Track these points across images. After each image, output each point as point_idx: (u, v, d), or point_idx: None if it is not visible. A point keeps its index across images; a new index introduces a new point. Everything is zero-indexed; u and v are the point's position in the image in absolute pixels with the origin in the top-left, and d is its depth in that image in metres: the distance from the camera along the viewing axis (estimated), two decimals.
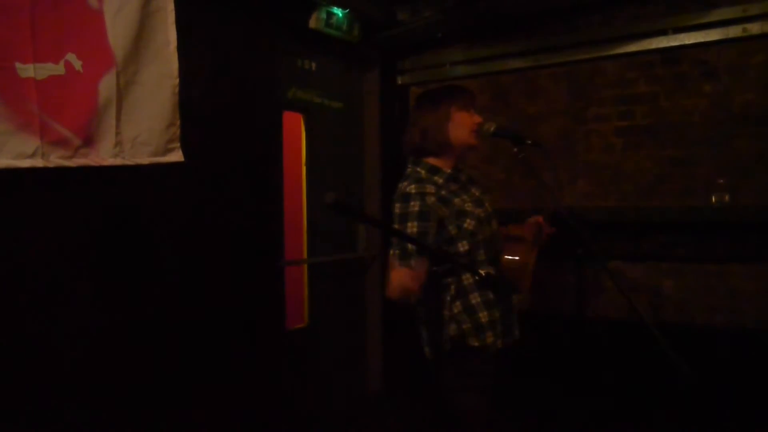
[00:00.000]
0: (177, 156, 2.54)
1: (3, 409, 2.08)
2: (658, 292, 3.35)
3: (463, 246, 1.96)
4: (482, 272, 1.84)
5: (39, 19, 2.09)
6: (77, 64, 2.21)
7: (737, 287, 3.15)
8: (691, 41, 3.19)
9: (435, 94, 2.14)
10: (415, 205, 1.92)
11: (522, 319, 2.13)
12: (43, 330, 2.20)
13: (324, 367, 3.68)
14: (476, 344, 1.95)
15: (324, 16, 3.42)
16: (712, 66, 3.20)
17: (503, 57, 3.76)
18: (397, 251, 1.88)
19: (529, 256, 2.05)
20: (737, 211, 3.10)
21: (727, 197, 3.13)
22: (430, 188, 1.97)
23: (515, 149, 2.03)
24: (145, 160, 2.43)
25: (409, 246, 1.85)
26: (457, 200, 1.99)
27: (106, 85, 2.29)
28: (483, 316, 1.95)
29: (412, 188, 1.96)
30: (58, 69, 2.16)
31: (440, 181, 2.02)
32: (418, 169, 2.06)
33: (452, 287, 1.96)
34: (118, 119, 2.33)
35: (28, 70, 2.07)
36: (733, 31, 3.09)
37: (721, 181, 3.15)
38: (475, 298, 1.96)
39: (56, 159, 2.14)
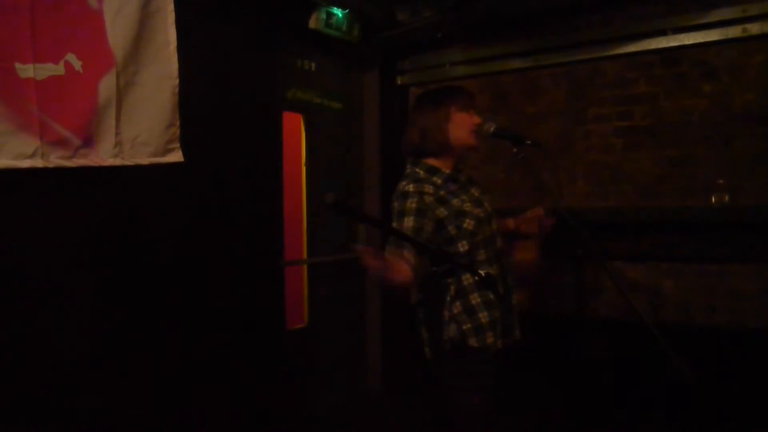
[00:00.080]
0: (177, 156, 2.54)
1: (3, 409, 2.08)
2: (658, 292, 3.35)
3: (462, 246, 1.96)
4: (482, 272, 1.84)
5: (39, 20, 2.09)
6: (77, 65, 2.21)
7: (737, 287, 3.15)
8: (691, 41, 3.19)
9: (435, 95, 2.15)
10: (412, 202, 1.93)
11: (522, 319, 2.13)
12: (43, 330, 2.20)
13: (324, 367, 3.68)
14: (476, 345, 1.95)
15: (324, 16, 3.42)
16: (711, 66, 3.19)
17: (503, 57, 3.76)
18: (392, 247, 1.90)
19: (538, 252, 2.08)
20: (737, 211, 3.10)
21: (726, 197, 3.13)
22: (429, 188, 1.97)
23: (515, 149, 2.04)
24: (145, 161, 2.43)
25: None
26: (455, 201, 1.99)
27: (106, 86, 2.29)
28: (483, 316, 1.95)
29: (410, 187, 1.97)
30: (58, 69, 2.16)
31: (439, 181, 2.02)
32: (417, 169, 2.06)
33: (452, 288, 1.96)
34: (117, 119, 2.33)
35: (27, 71, 2.07)
36: (733, 32, 3.08)
37: (721, 181, 3.15)
38: (475, 299, 1.96)
39: (56, 159, 2.14)
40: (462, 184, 2.09)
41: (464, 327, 1.94)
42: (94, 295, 2.36)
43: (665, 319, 3.29)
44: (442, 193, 1.99)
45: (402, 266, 1.83)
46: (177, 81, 2.53)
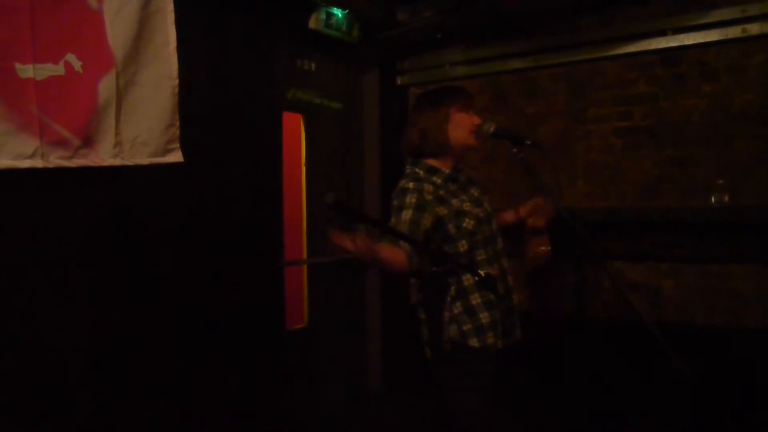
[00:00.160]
0: (176, 156, 2.54)
1: (3, 409, 2.07)
2: (658, 292, 3.34)
3: (462, 246, 1.96)
4: (482, 273, 1.84)
5: (39, 20, 2.09)
6: (77, 65, 2.21)
7: (737, 287, 3.15)
8: (691, 42, 3.19)
9: (434, 95, 2.15)
10: (412, 197, 1.95)
11: (522, 319, 2.13)
12: (42, 330, 2.20)
13: (324, 367, 3.67)
14: (477, 345, 1.95)
15: (324, 16, 3.42)
16: (711, 66, 3.19)
17: (503, 57, 3.76)
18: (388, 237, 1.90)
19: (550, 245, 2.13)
20: (737, 211, 3.10)
21: (726, 197, 3.13)
22: (428, 187, 1.98)
23: (515, 149, 2.04)
24: (145, 161, 2.43)
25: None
26: (455, 201, 1.99)
27: (106, 86, 2.29)
28: (484, 316, 1.95)
29: (410, 185, 1.98)
30: (58, 69, 2.16)
31: (438, 181, 2.02)
32: (417, 169, 2.06)
33: (452, 288, 1.96)
34: (117, 120, 2.33)
35: (27, 71, 2.06)
36: (733, 32, 3.08)
37: (721, 181, 3.15)
38: (475, 299, 1.96)
39: (56, 159, 2.14)
40: (461, 184, 2.09)
41: (465, 327, 1.94)
42: (93, 295, 2.36)
43: (665, 319, 3.29)
44: (441, 192, 1.99)
45: (396, 251, 1.83)
46: (177, 81, 2.53)
